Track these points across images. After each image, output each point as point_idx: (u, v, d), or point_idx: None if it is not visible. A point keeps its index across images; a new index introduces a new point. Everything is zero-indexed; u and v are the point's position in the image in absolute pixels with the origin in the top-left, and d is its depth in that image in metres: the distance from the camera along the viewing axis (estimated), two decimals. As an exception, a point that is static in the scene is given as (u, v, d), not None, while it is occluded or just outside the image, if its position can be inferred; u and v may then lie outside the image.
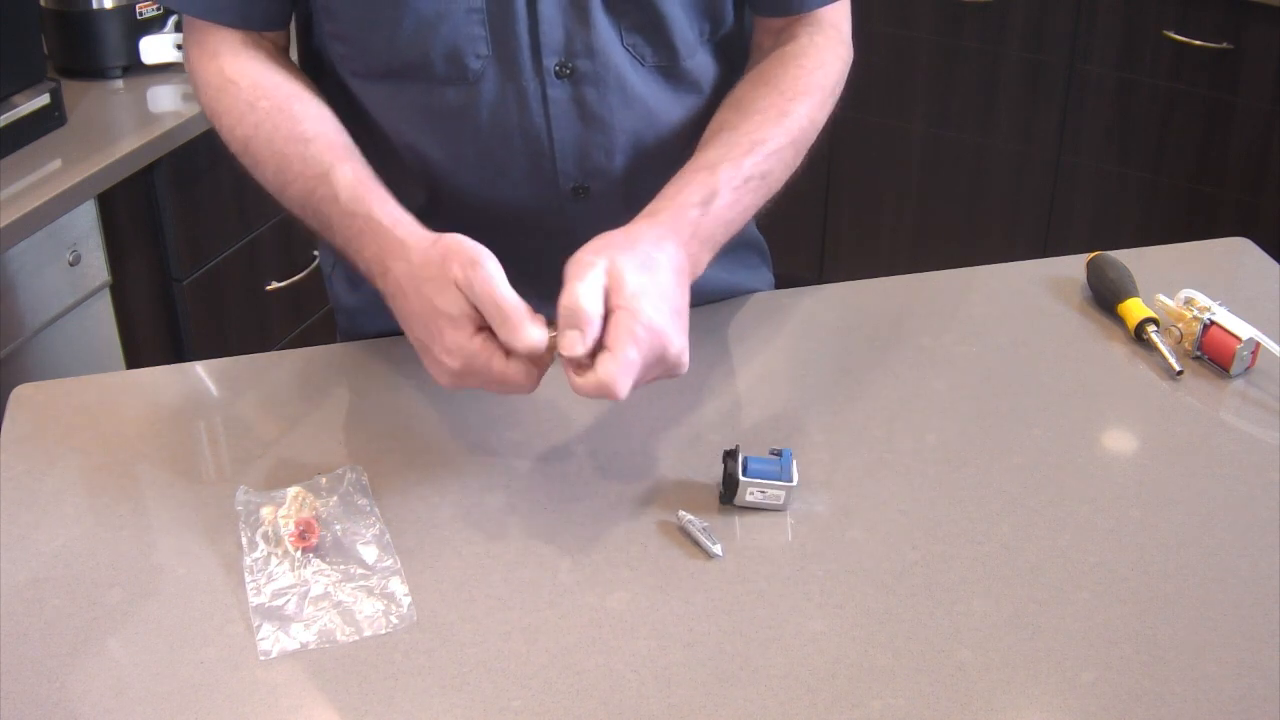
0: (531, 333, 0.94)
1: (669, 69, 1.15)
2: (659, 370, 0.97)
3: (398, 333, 1.25)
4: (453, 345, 0.97)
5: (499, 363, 0.96)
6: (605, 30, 1.10)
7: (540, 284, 1.24)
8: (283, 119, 1.10)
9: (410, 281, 0.99)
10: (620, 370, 0.92)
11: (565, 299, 0.94)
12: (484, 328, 0.97)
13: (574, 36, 1.09)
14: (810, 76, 1.15)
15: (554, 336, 0.96)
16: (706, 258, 1.06)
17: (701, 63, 1.17)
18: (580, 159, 1.15)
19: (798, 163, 1.14)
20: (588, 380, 0.93)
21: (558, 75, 1.10)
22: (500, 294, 0.94)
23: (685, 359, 0.98)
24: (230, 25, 1.14)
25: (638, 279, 0.95)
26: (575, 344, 0.93)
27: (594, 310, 0.93)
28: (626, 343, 0.93)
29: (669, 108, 1.17)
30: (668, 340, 0.95)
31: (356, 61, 1.14)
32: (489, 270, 0.95)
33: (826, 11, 1.19)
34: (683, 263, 1.01)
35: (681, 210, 1.03)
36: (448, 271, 0.96)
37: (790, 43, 1.17)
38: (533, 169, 1.15)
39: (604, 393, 0.93)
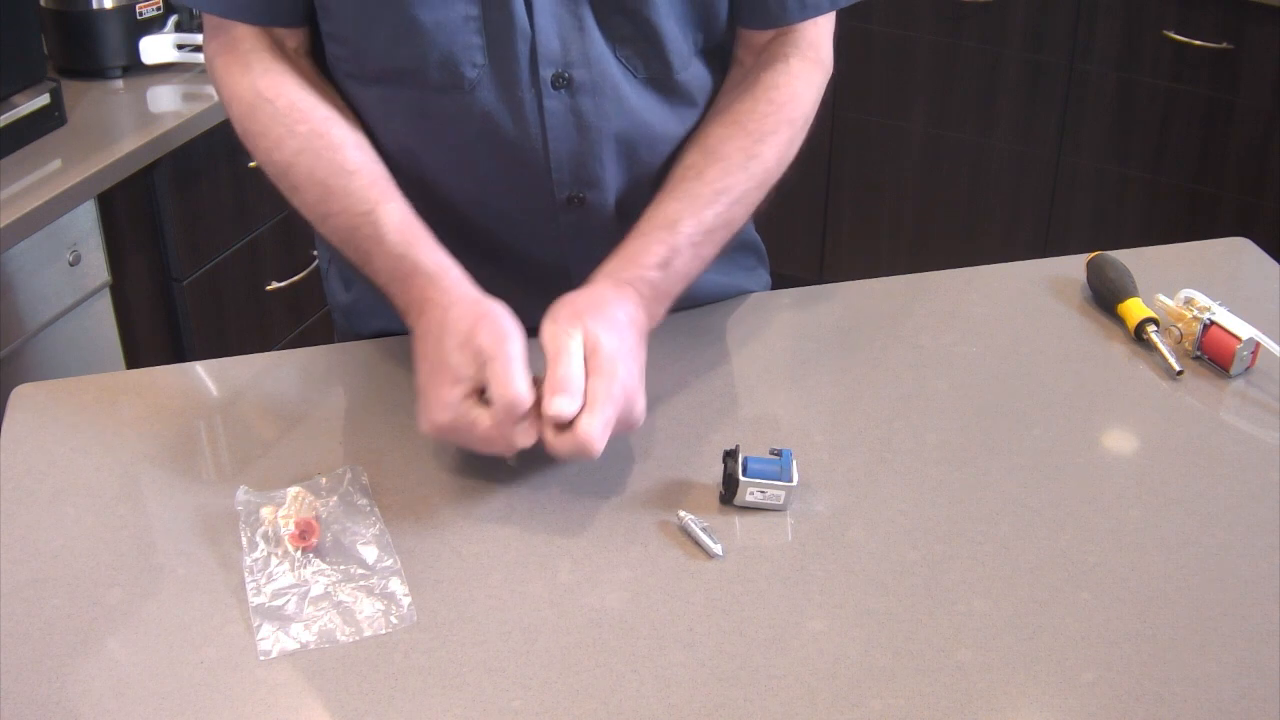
0: (525, 436, 0.99)
1: (663, 81, 1.15)
2: (622, 427, 1.01)
3: (393, 332, 1.25)
4: (447, 399, 0.99)
5: (483, 424, 0.99)
6: (600, 41, 1.10)
7: (533, 288, 1.24)
8: (323, 145, 1.09)
9: (436, 328, 1.02)
10: (600, 429, 0.97)
11: (556, 372, 0.98)
12: (478, 393, 1.00)
13: (570, 47, 1.09)
14: (780, 113, 1.15)
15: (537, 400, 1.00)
16: (663, 310, 1.10)
17: (696, 75, 1.17)
18: (575, 169, 1.15)
19: (762, 197, 1.16)
20: (564, 441, 0.97)
21: (554, 86, 1.10)
22: (514, 387, 0.97)
23: (644, 414, 1.03)
24: (254, 22, 1.11)
25: (612, 342, 1.00)
26: (565, 408, 0.97)
27: (581, 382, 0.98)
28: (605, 403, 0.98)
29: (664, 119, 1.17)
30: (636, 399, 1.01)
31: (351, 63, 1.13)
32: (512, 354, 0.98)
33: (807, 28, 1.17)
34: (643, 321, 1.06)
35: (643, 272, 1.07)
36: (474, 336, 0.99)
37: (766, 69, 1.17)
38: (527, 178, 1.15)
39: (583, 450, 0.97)
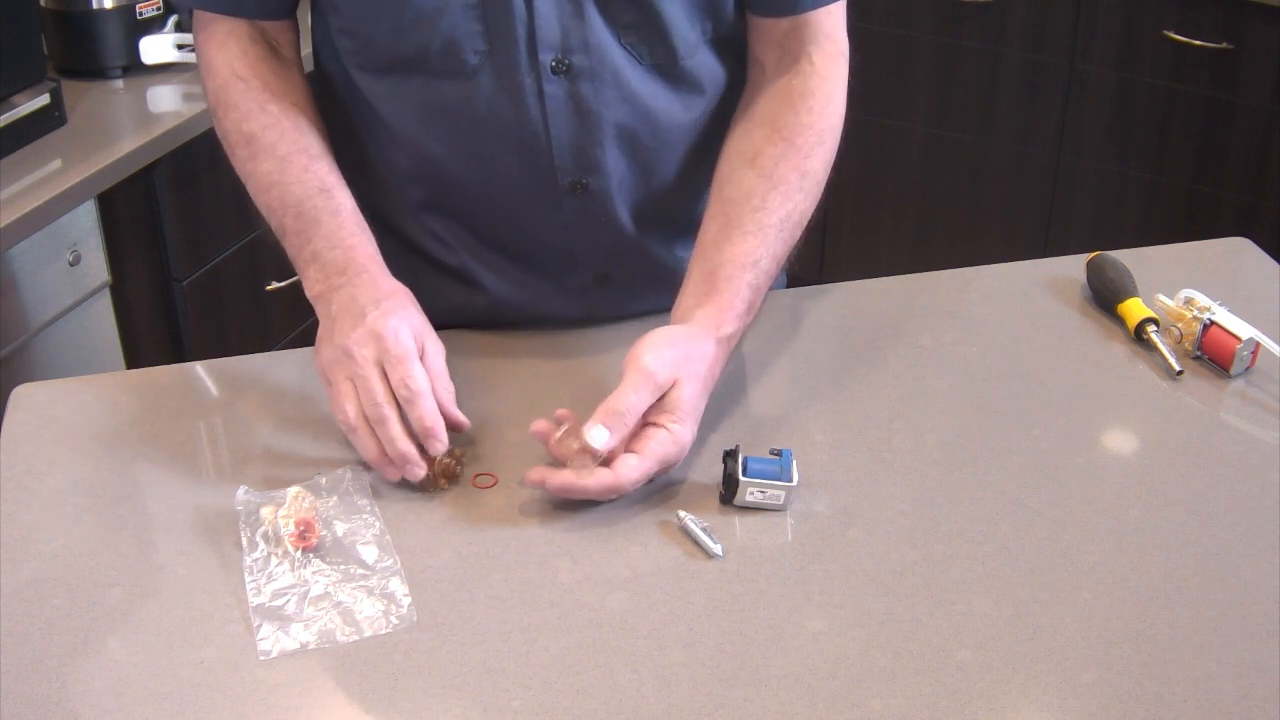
0: (414, 470, 1.03)
1: (668, 68, 1.15)
2: (657, 473, 1.04)
3: None
4: (404, 344, 1.03)
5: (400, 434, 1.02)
6: (601, 28, 1.10)
7: (540, 276, 1.25)
8: (290, 126, 1.14)
9: (405, 295, 1.07)
10: (638, 479, 1.00)
11: (617, 402, 1.00)
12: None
13: (570, 33, 1.10)
14: (822, 121, 1.16)
15: (566, 430, 1.03)
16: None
17: (703, 62, 1.17)
18: (577, 154, 1.15)
19: (814, 207, 1.18)
20: (600, 480, 1.00)
21: (554, 71, 1.11)
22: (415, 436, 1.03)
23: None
24: (228, 14, 1.15)
25: (691, 402, 1.03)
26: (597, 439, 0.99)
27: (632, 422, 1.01)
28: (655, 459, 1.01)
29: (669, 106, 1.17)
30: (684, 455, 1.04)
31: (361, 55, 1.15)
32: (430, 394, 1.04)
33: (822, 19, 1.17)
34: (719, 372, 1.09)
35: (739, 324, 1.10)
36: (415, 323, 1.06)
37: (793, 70, 1.17)
38: (530, 164, 1.15)
39: (610, 491, 1.00)
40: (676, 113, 1.18)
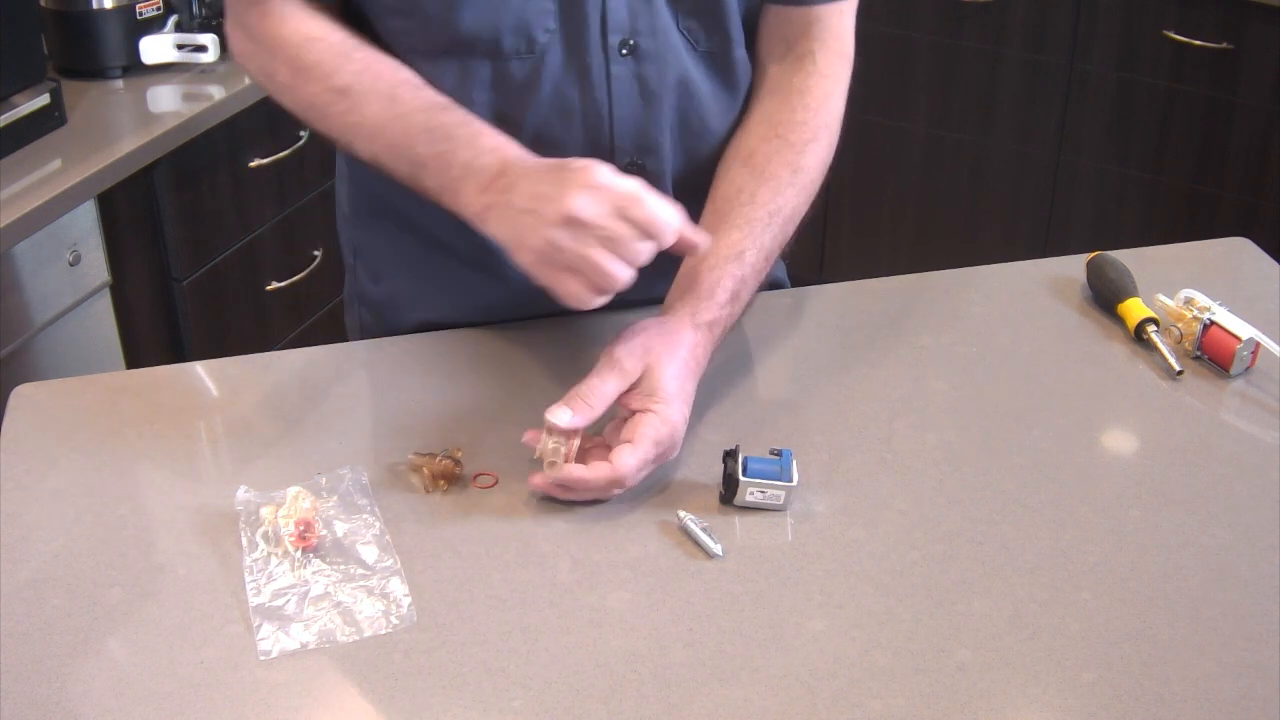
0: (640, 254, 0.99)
1: (720, 56, 1.17)
2: (658, 461, 1.04)
3: (434, 323, 1.24)
4: (601, 180, 0.98)
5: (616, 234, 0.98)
6: (665, 10, 1.12)
7: None
8: (383, 67, 1.11)
9: (554, 161, 1.02)
10: (638, 466, 1.00)
11: (583, 384, 1.02)
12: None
13: (638, 15, 1.11)
14: (817, 118, 1.17)
15: (545, 433, 1.03)
16: (722, 340, 1.12)
17: (743, 56, 1.19)
18: (637, 135, 1.16)
19: (809, 205, 1.19)
20: (599, 471, 1.00)
21: (621, 52, 1.12)
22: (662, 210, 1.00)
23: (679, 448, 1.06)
24: None
25: (672, 385, 1.03)
26: (558, 417, 1.00)
27: (599, 405, 1.02)
28: (649, 443, 1.01)
29: (715, 94, 1.19)
30: (678, 440, 1.04)
31: (416, 36, 1.13)
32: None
33: (832, 17, 1.18)
34: (704, 362, 1.09)
35: (719, 312, 1.10)
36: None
37: (796, 68, 1.18)
38: (590, 144, 1.16)
39: (614, 484, 1.01)
40: (721, 102, 1.19)
